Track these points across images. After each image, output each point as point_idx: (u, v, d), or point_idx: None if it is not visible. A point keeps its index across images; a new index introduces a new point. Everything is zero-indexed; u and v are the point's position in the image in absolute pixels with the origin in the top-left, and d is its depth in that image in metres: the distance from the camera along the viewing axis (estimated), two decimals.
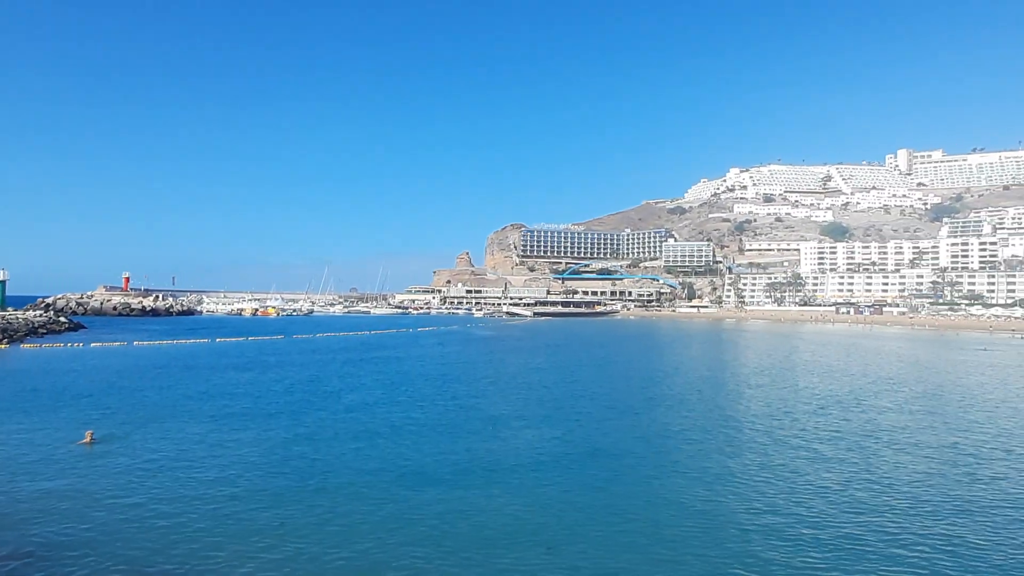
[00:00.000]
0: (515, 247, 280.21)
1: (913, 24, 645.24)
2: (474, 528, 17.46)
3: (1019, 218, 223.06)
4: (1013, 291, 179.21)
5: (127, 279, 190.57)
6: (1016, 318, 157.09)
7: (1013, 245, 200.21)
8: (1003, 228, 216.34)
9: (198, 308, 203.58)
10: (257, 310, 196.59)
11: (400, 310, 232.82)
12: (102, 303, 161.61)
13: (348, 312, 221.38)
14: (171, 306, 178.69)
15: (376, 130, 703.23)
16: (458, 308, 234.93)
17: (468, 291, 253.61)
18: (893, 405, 37.96)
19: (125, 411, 32.84)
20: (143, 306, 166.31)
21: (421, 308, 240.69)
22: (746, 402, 39.21)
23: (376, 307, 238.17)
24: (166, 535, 16.52)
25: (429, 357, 67.25)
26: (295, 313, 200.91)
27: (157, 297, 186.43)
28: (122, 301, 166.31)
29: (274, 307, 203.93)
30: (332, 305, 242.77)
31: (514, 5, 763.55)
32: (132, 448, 25.23)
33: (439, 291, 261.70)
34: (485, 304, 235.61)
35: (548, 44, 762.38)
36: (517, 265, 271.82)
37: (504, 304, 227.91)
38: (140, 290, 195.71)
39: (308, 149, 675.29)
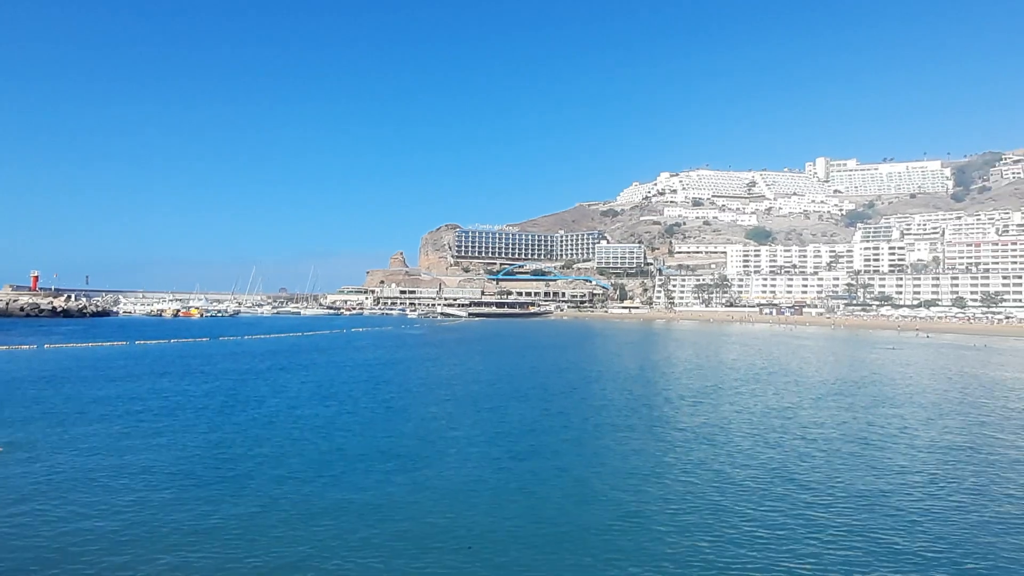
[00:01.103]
0: (450, 248, 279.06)
1: (831, 37, 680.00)
2: (397, 528, 17.12)
3: (924, 224, 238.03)
4: (918, 293, 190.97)
5: (35, 278, 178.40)
6: (920, 318, 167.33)
7: (919, 250, 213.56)
8: (910, 234, 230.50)
9: (115, 309, 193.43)
10: (179, 311, 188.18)
11: (332, 311, 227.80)
12: (8, 304, 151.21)
13: (277, 313, 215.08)
14: (85, 307, 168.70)
15: (308, 128, 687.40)
16: (392, 309, 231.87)
17: (402, 291, 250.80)
18: (809, 403, 39.61)
19: (32, 418, 30.69)
20: (54, 307, 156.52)
21: (354, 309, 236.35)
22: (674, 401, 40.11)
23: (307, 308, 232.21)
24: (64, 543, 15.44)
25: (361, 359, 65.96)
26: (220, 314, 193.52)
27: (69, 297, 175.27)
28: (30, 302, 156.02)
29: (198, 308, 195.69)
30: (260, 306, 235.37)
31: (449, 10, 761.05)
32: (37, 456, 23.56)
33: (372, 291, 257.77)
34: (419, 305, 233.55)
35: (482, 48, 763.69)
36: (452, 266, 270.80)
37: (439, 305, 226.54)
38: (50, 290, 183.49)
39: (233, 144, 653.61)
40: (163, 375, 48.94)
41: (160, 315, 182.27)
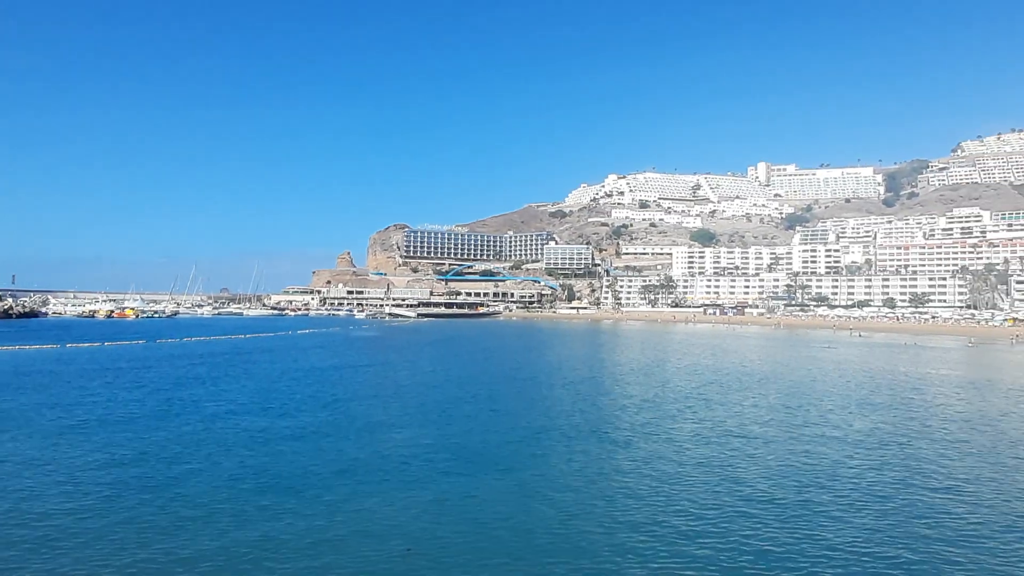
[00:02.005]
0: (398, 248, 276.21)
1: (772, 49, 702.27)
2: (334, 534, 16.78)
3: (858, 228, 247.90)
4: (852, 294, 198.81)
5: None
6: (854, 318, 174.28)
7: (852, 252, 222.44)
8: (845, 237, 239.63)
9: (43, 310, 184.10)
10: (113, 312, 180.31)
11: (276, 312, 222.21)
12: None
13: (218, 314, 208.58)
14: (11, 307, 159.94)
15: (253, 123, 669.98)
16: (339, 309, 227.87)
17: (349, 292, 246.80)
18: (749, 402, 40.70)
19: None
20: None
21: (299, 309, 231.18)
22: (619, 402, 40.62)
23: (250, 308, 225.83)
24: None
25: (305, 361, 64.59)
26: (157, 315, 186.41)
27: None
28: None
29: (133, 308, 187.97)
30: (200, 307, 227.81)
31: (401, 12, 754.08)
32: None
33: (319, 292, 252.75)
34: (367, 305, 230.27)
35: (432, 46, 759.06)
36: (400, 266, 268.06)
37: (387, 305, 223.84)
38: None
39: (172, 140, 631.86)
40: (95, 377, 46.84)
41: (93, 316, 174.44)
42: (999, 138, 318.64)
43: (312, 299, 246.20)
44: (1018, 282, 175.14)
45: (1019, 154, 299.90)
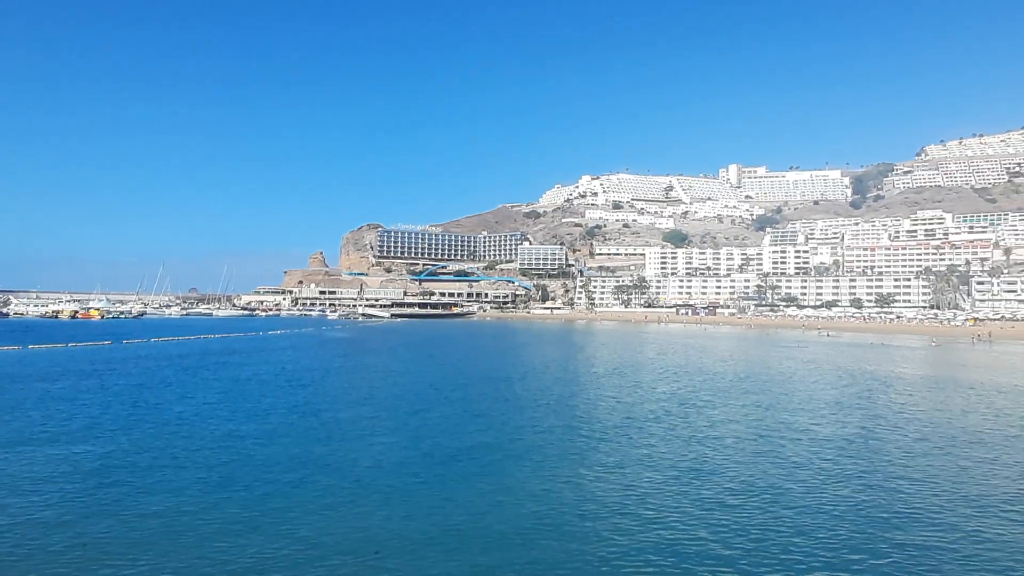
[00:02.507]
0: (372, 247, 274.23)
1: (742, 53, 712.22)
2: (301, 535, 16.52)
3: (826, 230, 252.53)
4: (821, 294, 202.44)
5: None
6: (823, 318, 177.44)
7: (821, 253, 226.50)
8: (813, 238, 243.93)
9: (4, 310, 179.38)
10: (77, 312, 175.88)
11: (246, 312, 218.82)
12: None
13: (187, 314, 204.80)
14: None
15: (225, 121, 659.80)
16: (311, 309, 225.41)
17: (322, 292, 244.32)
18: (721, 400, 41.12)
19: None
20: None
21: (270, 310, 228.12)
22: (592, 402, 40.72)
23: (219, 309, 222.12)
24: None
25: (276, 361, 63.67)
26: (123, 315, 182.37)
27: None
28: None
29: (98, 309, 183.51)
30: (168, 307, 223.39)
31: (376, 11, 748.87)
32: None
33: (290, 292, 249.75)
34: (340, 305, 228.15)
35: (406, 44, 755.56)
36: (374, 266, 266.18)
37: (360, 305, 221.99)
38: None
39: (140, 138, 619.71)
40: (56, 380, 45.58)
41: (56, 316, 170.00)
42: (961, 143, 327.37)
43: (284, 299, 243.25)
44: (978, 283, 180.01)
45: (980, 158, 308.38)
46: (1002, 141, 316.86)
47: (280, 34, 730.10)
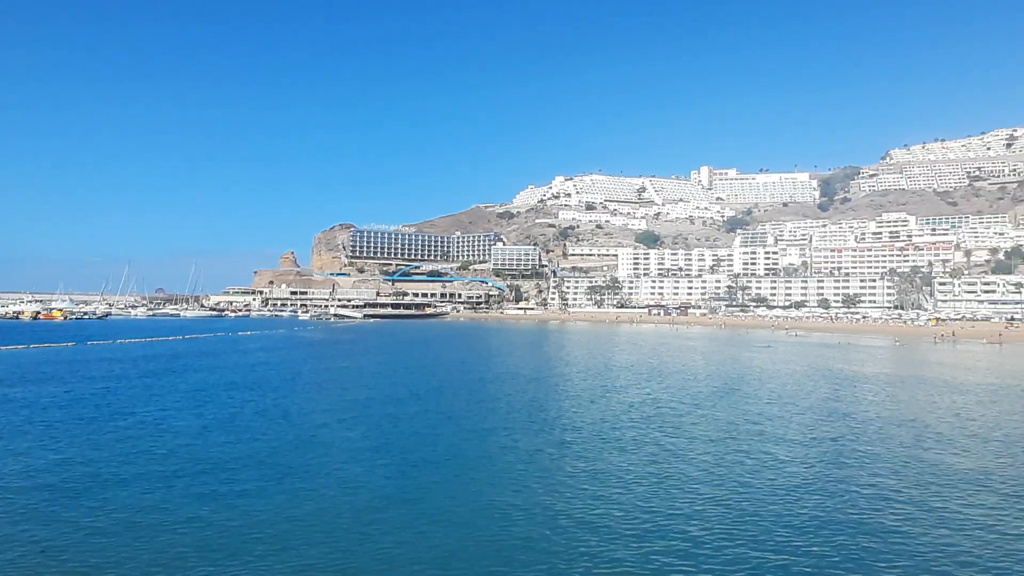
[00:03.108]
0: (344, 248, 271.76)
1: (715, 55, 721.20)
2: (268, 530, 16.26)
3: (795, 232, 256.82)
4: (790, 295, 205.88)
5: None
6: (792, 318, 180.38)
7: (790, 255, 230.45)
8: (783, 240, 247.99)
9: None
10: (39, 313, 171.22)
11: (215, 312, 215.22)
12: None
13: (153, 315, 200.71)
14: None
15: (195, 120, 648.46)
16: (282, 310, 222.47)
17: (293, 292, 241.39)
18: (690, 400, 41.54)
19: None
20: None
21: (240, 310, 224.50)
22: (565, 402, 40.81)
23: (187, 309, 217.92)
24: None
25: (245, 363, 62.71)
26: (87, 316, 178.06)
27: None
28: None
29: (61, 309, 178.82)
30: (134, 307, 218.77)
31: (350, 10, 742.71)
32: None
33: (261, 292, 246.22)
34: (312, 306, 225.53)
35: (381, 45, 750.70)
36: (346, 266, 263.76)
37: (332, 306, 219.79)
38: None
39: (106, 135, 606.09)
40: (15, 384, 44.27)
41: (17, 317, 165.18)
42: (924, 147, 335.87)
43: (254, 300, 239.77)
44: (940, 284, 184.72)
45: (942, 163, 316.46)
46: (963, 146, 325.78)
47: (252, 31, 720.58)
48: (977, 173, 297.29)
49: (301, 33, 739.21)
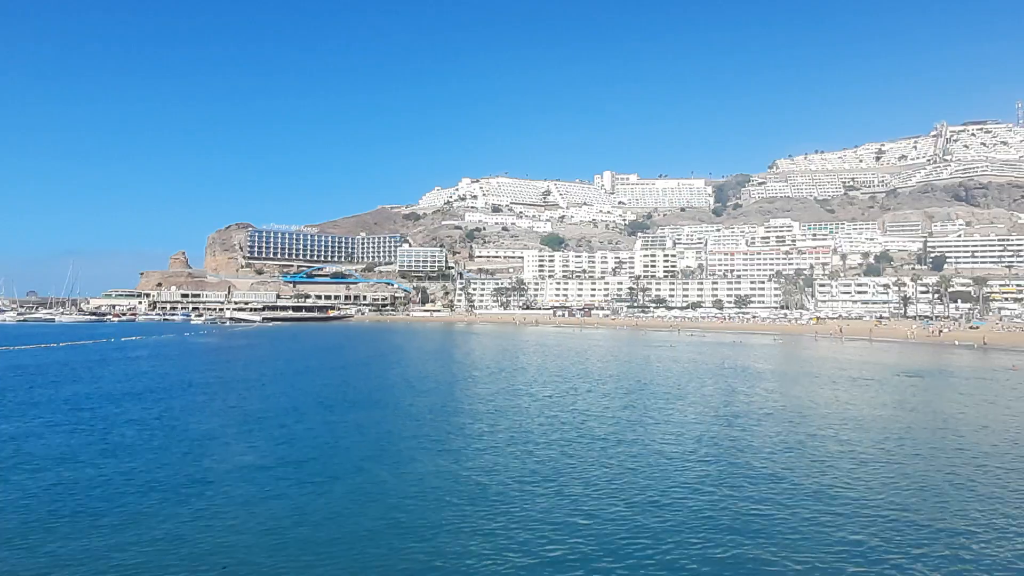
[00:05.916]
0: (241, 248, 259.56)
1: (617, 64, 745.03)
2: (149, 546, 14.99)
3: (692, 236, 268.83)
4: (687, 296, 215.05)
5: None
6: (689, 318, 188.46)
7: (687, 258, 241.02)
8: (681, 243, 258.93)
9: None
10: None
11: (96, 317, 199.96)
12: None
13: (24, 320, 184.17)
14: None
15: (77, 112, 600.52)
16: (173, 314, 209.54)
17: (184, 295, 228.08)
18: (596, 405, 42.32)
19: None
20: None
21: (124, 315, 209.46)
22: (468, 406, 40.56)
23: (63, 314, 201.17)
24: None
25: (125, 374, 58.39)
26: None
27: None
28: None
29: None
30: (1, 312, 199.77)
31: (262, 8, 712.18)
32: None
33: (148, 295, 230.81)
34: (206, 309, 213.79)
35: (282, 41, 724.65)
36: (243, 267, 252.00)
37: (228, 309, 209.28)
38: None
39: None
40: None
41: None
42: (806, 157, 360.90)
43: (140, 303, 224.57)
44: (820, 285, 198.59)
45: (821, 172, 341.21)
46: (839, 157, 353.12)
47: (136, 21, 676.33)
48: (851, 183, 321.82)
49: (195, 25, 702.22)
